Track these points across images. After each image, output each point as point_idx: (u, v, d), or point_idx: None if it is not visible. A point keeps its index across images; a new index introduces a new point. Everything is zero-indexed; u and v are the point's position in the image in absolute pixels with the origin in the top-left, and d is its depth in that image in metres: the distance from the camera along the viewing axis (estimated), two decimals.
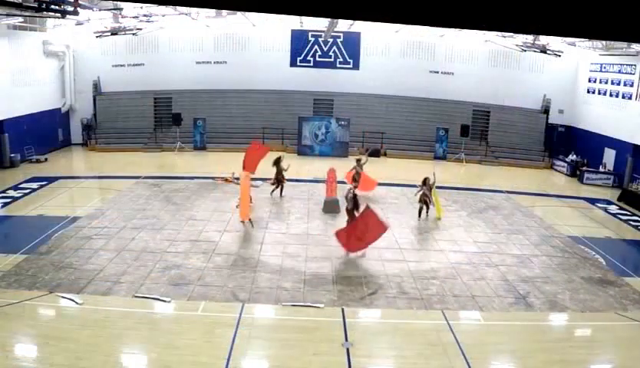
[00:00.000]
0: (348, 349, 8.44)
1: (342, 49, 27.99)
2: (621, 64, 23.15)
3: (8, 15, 18.59)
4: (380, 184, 18.30)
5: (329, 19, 19.93)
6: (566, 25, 2.67)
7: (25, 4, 14.94)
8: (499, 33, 23.23)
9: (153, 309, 9.67)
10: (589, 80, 25.85)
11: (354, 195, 13.72)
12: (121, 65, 27.18)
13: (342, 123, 26.07)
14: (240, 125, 27.09)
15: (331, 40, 27.35)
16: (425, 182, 15.53)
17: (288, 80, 27.82)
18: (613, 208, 19.04)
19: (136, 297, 9.96)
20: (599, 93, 24.96)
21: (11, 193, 17.28)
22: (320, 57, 28.03)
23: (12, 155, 21.27)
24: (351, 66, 28.14)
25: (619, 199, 20.03)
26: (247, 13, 23.14)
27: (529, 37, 23.25)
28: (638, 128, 21.50)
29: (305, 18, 24.46)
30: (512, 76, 27.72)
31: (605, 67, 24.53)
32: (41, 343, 8.33)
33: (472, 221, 16.05)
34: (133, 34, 24.79)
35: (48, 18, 22.03)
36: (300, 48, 27.94)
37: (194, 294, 10.21)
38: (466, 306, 10.25)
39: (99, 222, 14.26)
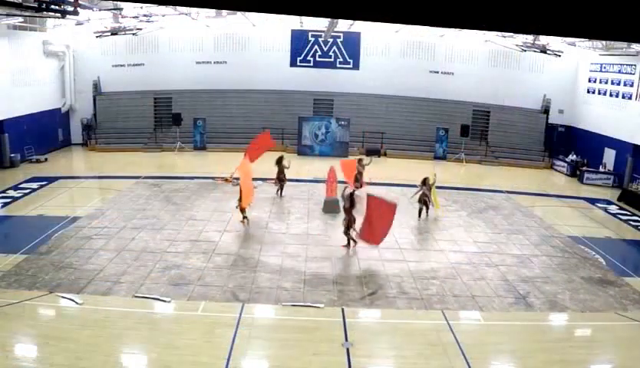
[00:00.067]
0: (347, 349, 8.44)
1: (342, 49, 27.99)
2: (621, 64, 23.15)
3: (8, 15, 18.60)
4: (380, 184, 18.29)
5: (329, 19, 19.93)
6: (566, 25, 2.67)
7: (25, 4, 14.93)
8: (499, 33, 23.23)
9: (153, 309, 9.67)
10: (589, 80, 25.85)
11: (351, 194, 13.70)
12: (121, 65, 27.19)
13: (342, 123, 26.07)
14: (240, 125, 27.07)
15: (331, 40, 27.35)
16: (424, 182, 15.53)
17: (288, 80, 27.82)
18: (613, 208, 19.04)
19: (136, 297, 9.96)
20: (599, 93, 24.96)
21: (11, 193, 17.28)
22: (320, 57, 28.03)
23: (12, 155, 21.27)
24: (351, 66, 28.14)
25: (619, 199, 20.03)
26: (247, 13, 23.14)
27: (529, 37, 23.24)
28: (638, 128, 21.50)
29: (305, 18, 24.46)
30: (512, 76, 27.71)
31: (605, 67, 24.53)
32: (41, 343, 8.33)
33: (472, 221, 16.05)
34: (133, 34, 24.79)
35: (48, 18, 22.03)
36: (300, 48, 27.95)
37: (194, 294, 10.21)
38: (466, 306, 10.25)
39: (99, 222, 14.27)
